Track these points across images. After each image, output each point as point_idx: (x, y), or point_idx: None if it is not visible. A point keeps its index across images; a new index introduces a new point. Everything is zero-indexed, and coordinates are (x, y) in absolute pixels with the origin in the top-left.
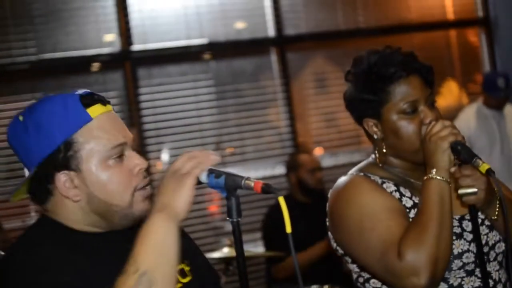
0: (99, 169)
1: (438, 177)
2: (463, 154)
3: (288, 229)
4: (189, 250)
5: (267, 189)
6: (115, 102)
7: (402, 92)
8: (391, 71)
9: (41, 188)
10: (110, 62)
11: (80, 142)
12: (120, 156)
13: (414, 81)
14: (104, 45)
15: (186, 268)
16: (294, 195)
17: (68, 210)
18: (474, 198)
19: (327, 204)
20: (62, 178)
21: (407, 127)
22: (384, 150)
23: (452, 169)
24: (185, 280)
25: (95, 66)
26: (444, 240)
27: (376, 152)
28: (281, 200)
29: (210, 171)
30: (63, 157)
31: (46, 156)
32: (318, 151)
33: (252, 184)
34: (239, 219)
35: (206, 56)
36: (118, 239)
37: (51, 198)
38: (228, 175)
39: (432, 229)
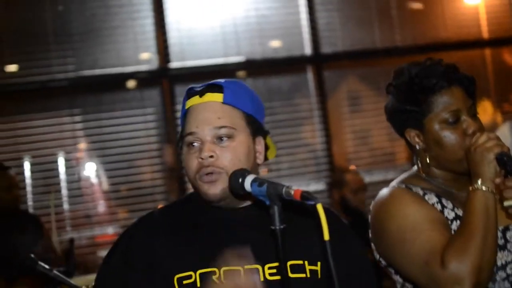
0: (183, 152)
1: (484, 188)
2: (509, 165)
3: (326, 236)
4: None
5: (307, 196)
6: (152, 118)
7: (444, 102)
8: (433, 82)
9: None
10: (148, 79)
11: (183, 128)
12: (190, 145)
13: (456, 91)
14: (142, 63)
15: (311, 267)
16: None
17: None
18: None
19: (369, 216)
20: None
21: (449, 136)
22: (428, 161)
23: (497, 181)
24: (292, 275)
25: (133, 83)
26: (488, 250)
27: (418, 163)
28: (319, 207)
29: (254, 180)
30: (179, 137)
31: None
32: (352, 168)
33: (292, 192)
34: (282, 226)
35: (243, 74)
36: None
37: None
38: (270, 183)
39: (476, 239)
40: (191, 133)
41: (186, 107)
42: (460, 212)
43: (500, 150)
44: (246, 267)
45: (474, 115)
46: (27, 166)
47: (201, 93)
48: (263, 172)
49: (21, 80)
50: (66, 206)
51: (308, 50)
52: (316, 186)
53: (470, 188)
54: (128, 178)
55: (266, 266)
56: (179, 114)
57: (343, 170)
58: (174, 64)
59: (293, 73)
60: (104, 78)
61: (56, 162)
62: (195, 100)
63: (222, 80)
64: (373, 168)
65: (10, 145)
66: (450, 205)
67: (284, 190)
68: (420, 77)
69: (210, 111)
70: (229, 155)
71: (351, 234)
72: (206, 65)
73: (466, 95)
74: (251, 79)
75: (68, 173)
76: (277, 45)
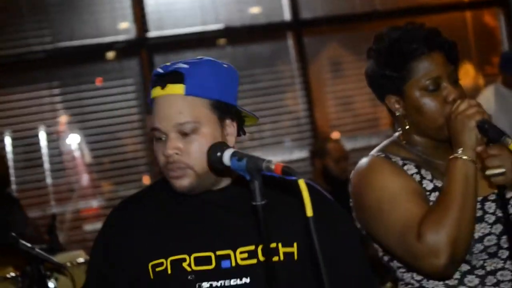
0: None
1: (464, 157)
2: (491, 132)
3: (309, 212)
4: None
5: (287, 171)
6: (132, 89)
7: (424, 68)
8: (412, 47)
9: None
10: (126, 49)
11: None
12: (158, 138)
13: (436, 57)
14: (120, 33)
15: (285, 249)
16: (316, 181)
17: None
18: (502, 178)
19: (349, 185)
20: None
21: (429, 104)
22: (407, 127)
23: (479, 149)
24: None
25: (111, 53)
26: (465, 221)
27: (398, 129)
28: (301, 182)
29: (233, 154)
30: None
31: None
32: (335, 135)
33: (273, 167)
34: (263, 202)
35: (222, 41)
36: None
37: None
38: (250, 157)
39: (453, 210)
40: (155, 129)
41: (151, 96)
42: (439, 183)
43: (481, 117)
44: (217, 252)
45: (455, 82)
46: (8, 141)
47: (162, 84)
48: (246, 140)
49: None
50: (49, 180)
51: (287, 16)
52: (299, 154)
53: (451, 157)
54: (111, 151)
55: (238, 250)
56: None
57: (324, 139)
58: (152, 33)
59: (273, 40)
60: (82, 49)
61: (37, 136)
62: (157, 92)
63: (185, 65)
64: (356, 134)
65: None
66: (429, 176)
67: (264, 164)
68: (400, 42)
69: (171, 106)
70: (194, 149)
71: (338, 213)
72: (184, 33)
73: (447, 61)
74: (230, 46)
75: (49, 147)
76: (256, 12)
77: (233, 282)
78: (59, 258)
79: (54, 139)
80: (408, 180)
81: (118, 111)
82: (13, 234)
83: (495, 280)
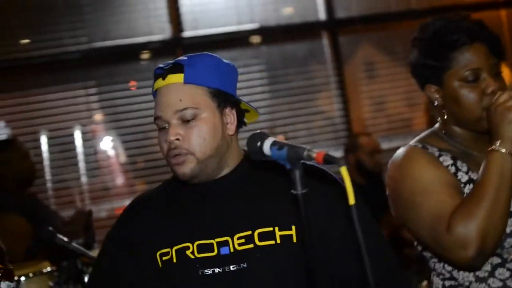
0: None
1: (502, 150)
2: None
3: (352, 200)
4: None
5: (329, 159)
6: None
7: (465, 59)
8: (454, 38)
9: None
10: (161, 49)
11: None
12: (160, 128)
13: (478, 49)
14: (155, 33)
15: (282, 233)
16: (352, 177)
17: None
18: None
19: (386, 175)
20: None
21: (467, 95)
22: (445, 117)
23: None
24: (261, 243)
25: (146, 54)
26: (497, 215)
27: (439, 120)
28: (343, 170)
29: (273, 143)
30: None
31: None
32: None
33: (314, 155)
34: (304, 191)
35: (257, 41)
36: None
37: None
38: (291, 146)
39: (485, 203)
40: (157, 117)
41: (154, 89)
42: (474, 176)
43: None
44: (217, 239)
45: (497, 74)
46: (44, 140)
47: (163, 76)
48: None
49: (33, 53)
50: (84, 179)
51: (322, 15)
52: (334, 153)
53: (488, 149)
54: (144, 150)
55: (235, 236)
56: None
57: (356, 135)
58: (187, 33)
59: (307, 39)
60: (117, 49)
61: (72, 135)
62: (159, 83)
63: (185, 58)
64: (390, 134)
65: (26, 120)
66: (464, 168)
67: (305, 153)
68: (443, 32)
69: (171, 94)
70: (194, 135)
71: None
72: (219, 33)
73: (489, 53)
74: (265, 46)
75: (85, 146)
76: (291, 11)
77: (232, 267)
78: (95, 253)
79: (89, 138)
80: (442, 172)
81: (152, 111)
82: (50, 228)
83: None
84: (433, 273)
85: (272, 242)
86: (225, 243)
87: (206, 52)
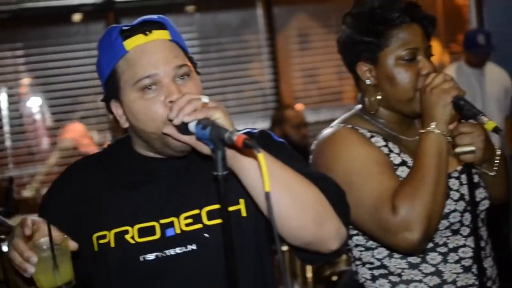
0: (131, 99)
1: (438, 131)
2: (467, 109)
3: (267, 187)
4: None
5: (249, 144)
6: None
7: (403, 38)
8: (395, 15)
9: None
10: (93, 12)
11: (119, 73)
12: (148, 88)
13: (416, 29)
14: None
15: (231, 209)
16: None
17: (132, 135)
18: (471, 156)
19: (311, 157)
20: (113, 106)
21: (403, 74)
22: (379, 97)
23: (451, 127)
24: (210, 222)
25: (77, 16)
26: (439, 195)
27: (366, 100)
28: (261, 157)
29: (199, 121)
30: (111, 87)
31: (104, 84)
32: (299, 107)
33: (235, 138)
34: (225, 173)
35: (191, 8)
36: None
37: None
38: (214, 126)
39: (428, 184)
40: (149, 76)
41: (128, 48)
42: (406, 158)
43: (457, 93)
44: (161, 221)
45: (429, 57)
46: None
47: (145, 31)
48: None
49: None
50: (8, 143)
51: None
52: (262, 124)
53: (423, 130)
54: (73, 115)
55: (182, 216)
56: None
57: (283, 107)
58: None
59: (242, 9)
60: (48, 11)
61: None
62: (139, 39)
63: (154, 16)
64: (320, 107)
65: None
66: (396, 150)
67: (227, 135)
68: (382, 8)
69: (164, 50)
70: (193, 90)
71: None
72: None
73: (424, 35)
74: (199, 13)
75: (10, 109)
76: None
77: (178, 250)
78: (15, 221)
79: (15, 101)
80: (377, 152)
81: (82, 75)
82: None
83: (457, 257)
84: (357, 262)
85: (221, 220)
86: (170, 224)
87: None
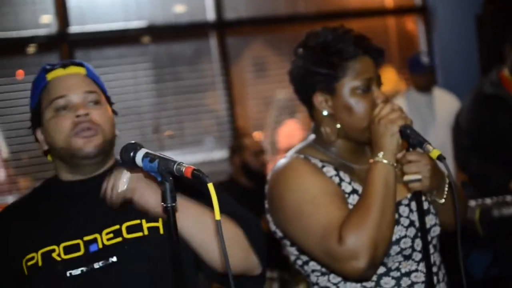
0: (47, 118)
1: (385, 161)
2: (413, 138)
3: (217, 216)
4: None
5: (197, 174)
6: None
7: (358, 69)
8: (350, 48)
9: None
10: (47, 43)
11: (41, 101)
12: (62, 109)
13: (368, 60)
14: (41, 26)
15: (150, 225)
16: (237, 179)
17: (55, 162)
18: (419, 185)
19: (266, 187)
20: (38, 134)
21: (359, 103)
22: (338, 126)
23: (399, 155)
24: (129, 236)
25: (31, 47)
26: (385, 224)
27: (323, 129)
28: (211, 186)
29: (146, 155)
30: (36, 116)
31: (31, 115)
32: (257, 135)
33: (183, 169)
34: (174, 204)
35: (145, 39)
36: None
37: None
38: (162, 159)
39: (374, 213)
40: (62, 96)
41: (49, 78)
42: (357, 186)
43: (404, 122)
44: (85, 238)
45: (379, 86)
46: None
47: (64, 66)
48: (167, 133)
49: None
50: None
51: (211, 15)
52: (220, 153)
53: (371, 160)
54: (29, 146)
55: (104, 232)
56: None
57: (241, 135)
58: (74, 28)
59: (196, 39)
60: (2, 42)
61: None
62: (58, 72)
63: (77, 60)
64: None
65: None
66: (347, 179)
67: (175, 167)
68: (336, 41)
69: (77, 80)
70: (100, 115)
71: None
72: (107, 30)
73: (375, 66)
74: (153, 44)
75: None
76: (180, 10)
77: (101, 263)
78: None
79: None
80: (328, 182)
81: None
82: None
83: (409, 282)
84: (315, 287)
85: (140, 234)
86: (94, 240)
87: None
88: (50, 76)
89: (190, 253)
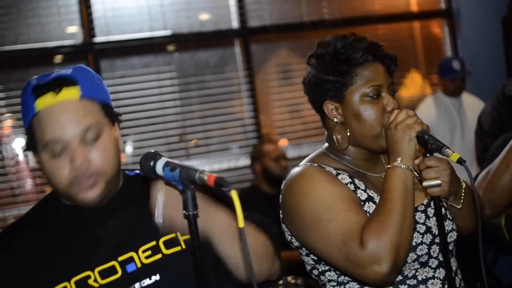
0: (43, 160)
1: (403, 166)
2: (431, 143)
3: (241, 223)
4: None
5: (220, 182)
6: None
7: (367, 75)
8: (358, 54)
9: None
10: (73, 54)
11: (34, 129)
12: (57, 153)
13: (378, 67)
14: (67, 37)
15: (185, 237)
16: (259, 186)
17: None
18: (438, 190)
19: (281, 196)
20: (35, 158)
21: (369, 111)
22: (348, 134)
23: (416, 161)
24: (169, 251)
25: (57, 58)
26: (406, 228)
27: (334, 137)
28: (234, 194)
29: (166, 164)
30: (30, 141)
31: (25, 134)
32: (282, 143)
33: (205, 178)
34: (195, 212)
35: (170, 47)
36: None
37: None
38: (183, 168)
39: (395, 218)
40: (54, 140)
41: (37, 108)
42: (372, 193)
43: (421, 128)
44: (119, 258)
45: (393, 94)
46: None
47: (54, 89)
48: (193, 142)
49: None
50: None
51: (235, 23)
52: (245, 160)
53: (389, 166)
54: None
55: (140, 249)
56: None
57: (260, 142)
58: (99, 38)
59: (220, 47)
60: (28, 53)
61: None
62: (48, 100)
63: (69, 70)
64: (302, 142)
65: None
66: (362, 186)
67: (197, 175)
68: (345, 48)
69: (71, 111)
70: (101, 156)
71: None
72: (131, 39)
73: (387, 73)
74: (178, 53)
75: None
76: (204, 18)
77: (143, 283)
78: None
79: None
80: (343, 188)
81: None
82: None
83: None
84: None
85: (179, 248)
86: (130, 260)
87: (78, 65)
88: (39, 105)
89: (214, 262)
